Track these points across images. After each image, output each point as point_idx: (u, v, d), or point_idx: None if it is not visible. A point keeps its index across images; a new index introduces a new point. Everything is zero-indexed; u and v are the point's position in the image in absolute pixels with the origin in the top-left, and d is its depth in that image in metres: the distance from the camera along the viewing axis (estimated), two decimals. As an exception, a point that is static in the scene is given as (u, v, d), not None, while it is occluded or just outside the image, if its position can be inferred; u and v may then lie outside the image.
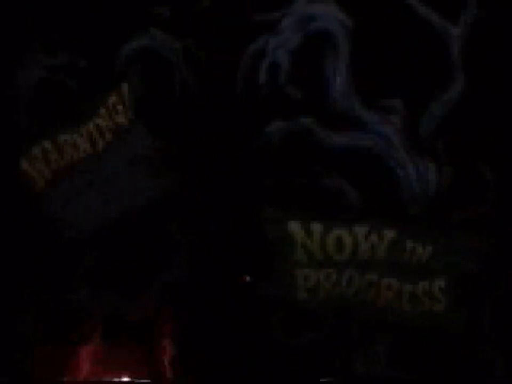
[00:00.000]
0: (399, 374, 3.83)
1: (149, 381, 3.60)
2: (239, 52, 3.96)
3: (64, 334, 3.71)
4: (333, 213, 3.88)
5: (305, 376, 3.76)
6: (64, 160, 4.24)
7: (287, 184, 3.96)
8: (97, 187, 4.18)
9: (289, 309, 3.80)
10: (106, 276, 4.00)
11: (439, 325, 3.88)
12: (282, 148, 3.97)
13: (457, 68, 3.79)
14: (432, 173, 3.86)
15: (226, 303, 3.77)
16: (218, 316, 3.76)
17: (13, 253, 3.91)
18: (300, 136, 3.94)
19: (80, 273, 3.99)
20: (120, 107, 4.20)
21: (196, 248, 3.97)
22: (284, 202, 3.93)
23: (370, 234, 3.87)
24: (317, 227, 3.90)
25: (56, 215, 4.14)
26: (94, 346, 3.67)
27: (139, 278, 3.99)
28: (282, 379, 3.73)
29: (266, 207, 3.93)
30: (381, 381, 3.82)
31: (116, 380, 3.61)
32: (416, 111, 3.84)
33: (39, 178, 4.16)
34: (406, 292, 3.89)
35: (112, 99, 4.21)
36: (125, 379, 3.61)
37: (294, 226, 3.92)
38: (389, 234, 3.89)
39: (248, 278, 3.77)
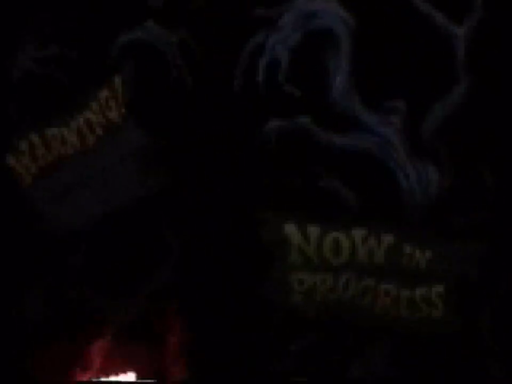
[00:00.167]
0: (396, 380, 3.78)
1: (155, 380, 3.54)
2: (237, 48, 3.90)
3: (75, 331, 3.68)
4: (330, 216, 3.83)
5: (301, 379, 3.70)
6: (52, 156, 4.14)
7: (284, 185, 3.91)
8: (86, 184, 4.09)
9: (285, 312, 3.73)
10: (93, 276, 3.91)
11: (436, 331, 3.85)
12: (279, 147, 3.91)
13: (461, 70, 3.76)
14: (433, 176, 3.82)
15: (224, 303, 3.69)
16: (217, 316, 3.69)
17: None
18: (298, 136, 3.89)
19: (66, 272, 3.90)
20: (112, 102, 4.11)
21: (189, 250, 3.90)
22: (280, 203, 3.87)
23: (368, 238, 3.83)
24: (313, 230, 3.85)
25: (43, 213, 4.05)
26: (104, 342, 3.64)
27: (129, 280, 3.91)
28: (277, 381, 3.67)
29: (262, 208, 3.88)
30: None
31: (121, 380, 3.60)
32: (418, 113, 3.80)
33: (26, 175, 4.06)
34: (404, 298, 3.84)
35: (104, 93, 4.12)
36: (131, 378, 3.59)
37: (290, 229, 3.86)
38: (388, 238, 3.84)
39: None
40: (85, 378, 3.62)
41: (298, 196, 3.89)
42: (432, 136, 3.84)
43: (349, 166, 3.88)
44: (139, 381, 3.66)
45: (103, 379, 3.60)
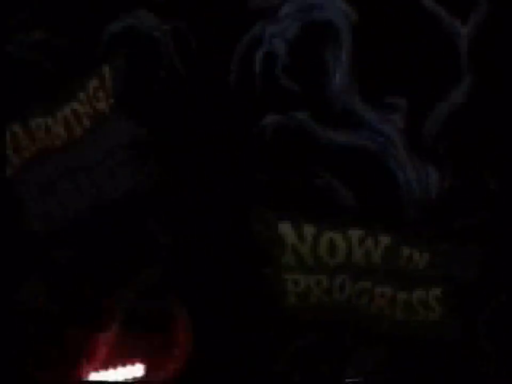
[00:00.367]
0: (391, 383, 3.73)
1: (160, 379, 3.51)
2: (233, 38, 3.81)
3: (83, 321, 3.65)
4: (326, 215, 3.76)
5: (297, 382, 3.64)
6: (36, 147, 4.01)
7: (279, 182, 3.84)
8: (72, 178, 3.98)
9: (280, 313, 3.66)
10: (79, 273, 3.81)
11: (433, 335, 3.81)
12: (275, 143, 3.84)
13: (464, 68, 3.70)
14: (433, 177, 3.77)
15: (219, 302, 3.61)
16: (213, 315, 3.62)
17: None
18: (295, 132, 3.82)
19: (49, 268, 3.79)
20: (101, 92, 4.00)
21: (181, 247, 3.80)
22: (275, 202, 3.80)
23: (366, 239, 3.77)
24: (309, 229, 3.78)
25: (26, 207, 3.93)
26: (112, 333, 3.60)
27: (117, 277, 3.81)
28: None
29: (256, 206, 3.80)
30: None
31: (128, 379, 3.57)
32: (420, 111, 3.74)
33: (7, 166, 3.92)
34: (400, 300, 3.80)
35: (93, 83, 4.00)
36: (140, 369, 3.55)
37: (285, 228, 3.79)
38: (385, 240, 3.78)
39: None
40: (89, 370, 3.57)
41: (294, 194, 3.82)
42: (433, 136, 3.79)
43: (347, 164, 3.81)
44: (132, 381, 3.62)
45: (108, 371, 3.56)
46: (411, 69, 3.74)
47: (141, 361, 3.58)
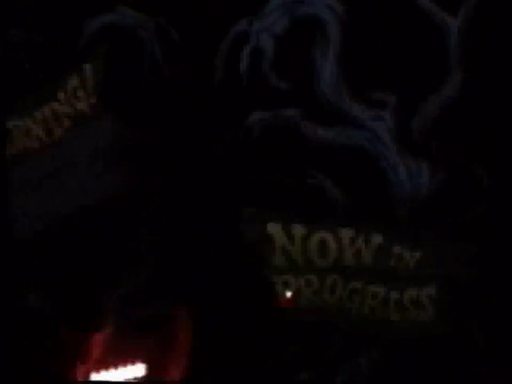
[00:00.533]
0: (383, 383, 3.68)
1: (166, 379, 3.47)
2: (218, 34, 3.77)
3: (79, 321, 3.62)
4: (316, 215, 3.72)
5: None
6: (15, 149, 3.92)
7: (267, 182, 3.78)
8: (53, 180, 3.88)
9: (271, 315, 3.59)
10: (60, 280, 3.71)
11: (424, 335, 3.76)
12: (263, 141, 3.80)
13: (454, 63, 3.68)
14: (425, 174, 3.74)
15: (207, 303, 3.55)
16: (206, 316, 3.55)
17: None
18: (283, 129, 3.78)
19: (30, 274, 3.70)
20: (81, 92, 3.91)
21: (167, 249, 3.72)
22: (263, 201, 3.74)
23: (356, 238, 3.72)
24: (298, 229, 3.74)
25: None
26: (107, 334, 3.56)
27: (100, 283, 3.72)
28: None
29: (244, 206, 3.73)
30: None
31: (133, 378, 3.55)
32: (410, 107, 3.71)
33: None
34: (392, 300, 3.75)
35: (73, 82, 3.93)
36: (141, 369, 3.53)
37: (274, 228, 3.74)
38: (376, 239, 3.74)
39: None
40: (89, 371, 3.54)
41: (283, 193, 3.77)
42: (424, 132, 3.76)
43: (337, 163, 3.78)
44: (133, 381, 3.58)
45: (109, 371, 3.54)
46: (400, 64, 3.71)
47: (142, 361, 3.55)
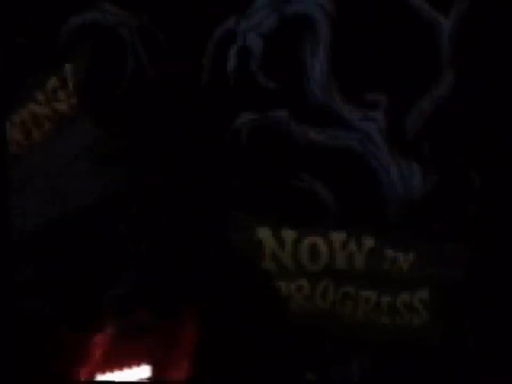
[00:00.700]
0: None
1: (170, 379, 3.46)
2: (204, 33, 3.67)
3: (79, 321, 3.58)
4: (307, 219, 3.68)
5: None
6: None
7: (257, 185, 3.72)
8: (33, 185, 3.75)
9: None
10: (45, 287, 3.62)
11: (417, 339, 3.76)
12: (251, 144, 3.73)
13: (447, 63, 3.64)
14: (417, 176, 3.71)
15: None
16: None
17: None
18: (272, 131, 3.71)
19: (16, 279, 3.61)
20: (61, 92, 3.79)
21: (150, 258, 3.64)
22: (252, 206, 3.69)
23: (348, 242, 3.70)
24: (289, 234, 3.70)
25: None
26: (109, 334, 3.51)
27: (84, 290, 3.63)
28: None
29: (233, 211, 3.67)
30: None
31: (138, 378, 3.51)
32: (402, 108, 3.67)
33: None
34: (385, 304, 3.73)
35: (52, 83, 3.79)
36: (145, 371, 3.50)
37: (264, 233, 3.70)
38: (368, 242, 3.71)
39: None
40: (87, 372, 3.49)
41: (272, 197, 3.71)
42: (416, 132, 3.72)
43: (328, 165, 3.72)
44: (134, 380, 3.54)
45: (113, 373, 3.50)
46: (392, 64, 3.66)
47: (147, 362, 3.51)
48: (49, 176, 3.74)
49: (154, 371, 3.48)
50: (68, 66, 3.76)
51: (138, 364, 3.48)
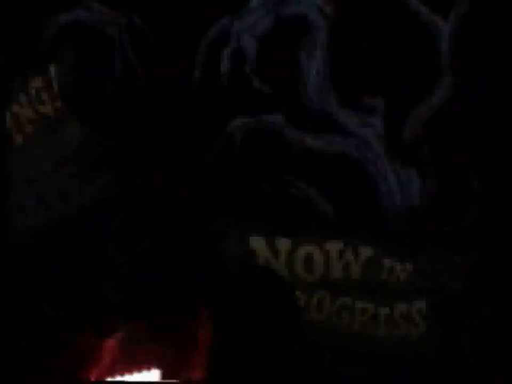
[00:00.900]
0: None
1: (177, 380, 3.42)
2: (197, 34, 3.60)
3: (89, 326, 3.49)
4: (302, 227, 3.61)
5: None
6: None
7: (250, 193, 3.64)
8: (14, 192, 3.59)
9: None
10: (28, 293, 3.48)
11: (414, 350, 3.70)
12: (245, 149, 3.66)
13: (446, 67, 3.61)
14: (415, 183, 3.67)
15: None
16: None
17: None
18: (267, 136, 3.65)
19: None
20: (45, 94, 3.65)
21: (137, 269, 3.52)
22: (245, 214, 3.59)
23: (345, 252, 3.63)
24: (283, 243, 3.62)
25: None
26: (118, 339, 3.43)
27: (68, 298, 3.51)
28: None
29: (225, 219, 3.56)
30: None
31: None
32: (400, 113, 3.63)
33: None
34: (382, 315, 3.67)
35: (36, 84, 3.65)
36: (155, 375, 3.42)
37: (257, 242, 3.62)
38: (365, 252, 3.64)
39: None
40: (96, 375, 3.42)
41: (267, 205, 3.65)
42: (414, 138, 3.68)
43: (324, 171, 3.67)
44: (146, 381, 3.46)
45: (123, 377, 3.42)
46: (390, 68, 3.62)
47: (157, 367, 3.41)
48: (31, 183, 3.60)
49: (165, 375, 3.41)
50: (52, 67, 3.64)
51: (148, 368, 3.41)
